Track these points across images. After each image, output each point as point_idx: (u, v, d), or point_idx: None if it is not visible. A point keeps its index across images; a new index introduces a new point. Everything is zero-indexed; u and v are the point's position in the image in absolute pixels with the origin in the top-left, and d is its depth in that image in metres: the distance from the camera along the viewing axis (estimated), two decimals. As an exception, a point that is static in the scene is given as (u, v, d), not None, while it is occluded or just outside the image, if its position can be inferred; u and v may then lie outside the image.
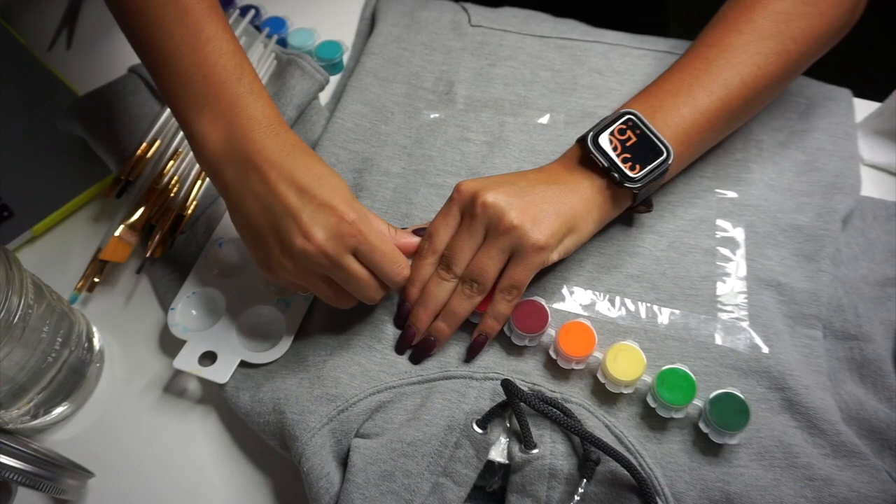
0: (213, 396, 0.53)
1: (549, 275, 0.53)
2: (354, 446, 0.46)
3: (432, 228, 0.50)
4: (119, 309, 0.57)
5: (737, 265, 0.54)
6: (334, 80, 0.69)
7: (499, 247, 0.47)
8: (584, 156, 0.51)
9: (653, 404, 0.47)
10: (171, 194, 0.58)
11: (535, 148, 0.60)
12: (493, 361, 0.50)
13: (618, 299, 0.53)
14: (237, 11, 0.71)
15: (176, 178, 0.59)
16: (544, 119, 0.62)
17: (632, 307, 0.52)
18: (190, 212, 0.58)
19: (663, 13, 0.86)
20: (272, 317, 0.53)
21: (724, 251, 0.54)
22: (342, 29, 0.72)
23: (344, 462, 0.47)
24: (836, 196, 0.57)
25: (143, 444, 0.52)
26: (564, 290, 0.53)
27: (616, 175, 0.49)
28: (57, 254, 0.60)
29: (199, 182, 0.60)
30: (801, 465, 0.46)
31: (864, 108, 0.64)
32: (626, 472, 0.44)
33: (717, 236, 0.55)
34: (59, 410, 0.51)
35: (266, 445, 0.50)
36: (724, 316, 0.52)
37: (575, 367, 0.49)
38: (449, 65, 0.66)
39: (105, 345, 0.56)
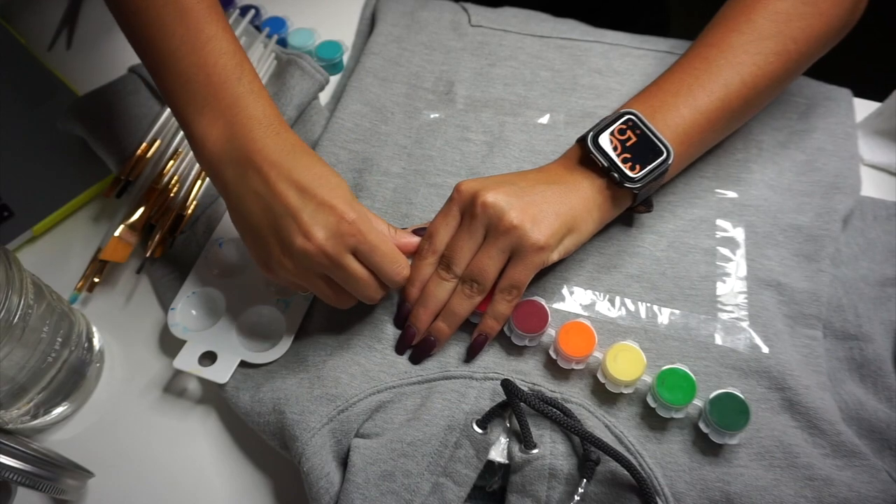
0: (213, 396, 0.53)
1: (549, 275, 0.53)
2: (354, 446, 0.46)
3: (432, 228, 0.50)
4: (119, 309, 0.57)
5: (737, 265, 0.54)
6: (334, 80, 0.69)
7: (499, 247, 0.47)
8: (584, 156, 0.51)
9: (653, 404, 0.47)
10: (171, 194, 0.58)
11: (535, 148, 0.60)
12: (493, 361, 0.50)
13: (618, 299, 0.53)
14: (237, 11, 0.71)
15: (176, 178, 0.59)
16: (544, 119, 0.62)
17: (632, 307, 0.52)
18: (190, 212, 0.58)
19: (663, 13, 0.86)
20: (272, 317, 0.53)
21: (724, 251, 0.54)
22: (342, 29, 0.72)
23: (344, 462, 0.47)
24: (836, 196, 0.57)
25: (143, 444, 0.52)
26: (564, 290, 0.53)
27: (616, 175, 0.49)
28: (57, 254, 0.60)
29: (199, 182, 0.60)
30: (801, 465, 0.46)
31: (864, 108, 0.64)
32: (626, 472, 0.44)
33: (717, 236, 0.55)
34: (59, 410, 0.51)
35: (266, 445, 0.50)
36: (724, 316, 0.52)
37: (575, 367, 0.49)
38: (449, 65, 0.66)
39: (105, 345, 0.56)
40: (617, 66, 0.65)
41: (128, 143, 0.60)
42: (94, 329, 0.55)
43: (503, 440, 0.46)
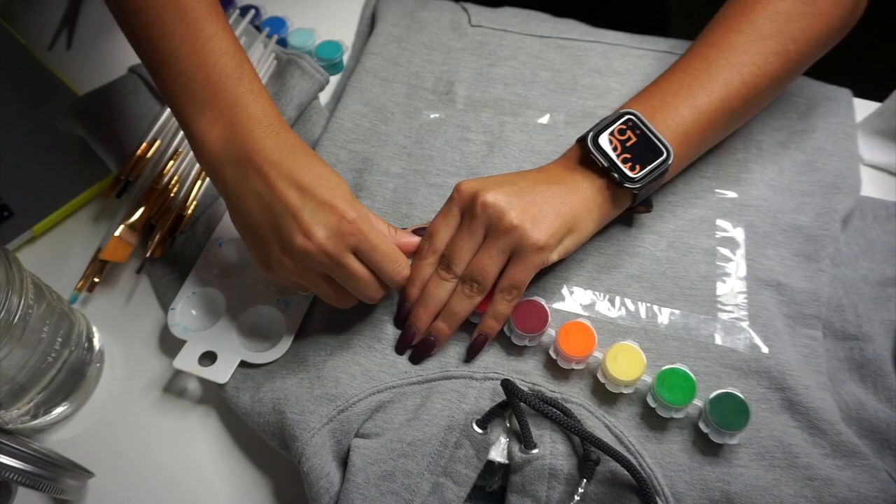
0: (213, 396, 0.53)
1: (549, 275, 0.53)
2: (354, 446, 0.46)
3: (432, 228, 0.50)
4: (119, 309, 0.57)
5: (737, 265, 0.54)
6: (334, 80, 0.69)
7: (499, 247, 0.47)
8: (584, 156, 0.51)
9: (653, 404, 0.47)
10: (171, 194, 0.58)
11: (535, 148, 0.60)
12: (493, 361, 0.50)
13: (618, 299, 0.53)
14: (237, 11, 0.71)
15: (176, 178, 0.59)
16: (544, 119, 0.62)
17: (632, 307, 0.52)
18: (190, 212, 0.58)
19: (663, 13, 0.86)
20: (272, 317, 0.53)
21: (724, 251, 0.54)
22: (342, 29, 0.72)
23: (344, 462, 0.47)
24: (836, 196, 0.57)
25: (143, 444, 0.52)
26: (564, 290, 0.53)
27: (616, 175, 0.49)
28: (57, 254, 0.60)
29: (199, 182, 0.60)
30: (801, 465, 0.46)
31: (864, 108, 0.64)
32: (626, 472, 0.44)
33: (717, 236, 0.55)
34: (59, 410, 0.51)
35: (266, 445, 0.50)
36: (724, 316, 0.52)
37: (575, 367, 0.49)
38: (449, 65, 0.66)
39: (105, 345, 0.56)
40: (617, 66, 0.65)
41: (128, 143, 0.60)
42: (94, 329, 0.55)
43: (503, 440, 0.46)
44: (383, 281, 0.47)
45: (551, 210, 0.48)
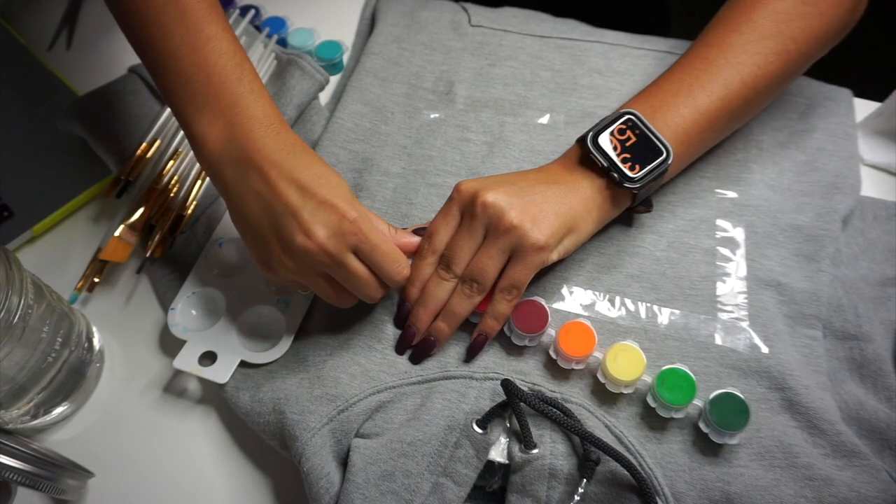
0: (213, 396, 0.53)
1: (549, 275, 0.53)
2: (354, 446, 0.46)
3: (432, 228, 0.50)
4: (119, 309, 0.57)
5: (737, 265, 0.54)
6: (334, 80, 0.69)
7: (499, 246, 0.47)
8: (584, 156, 0.51)
9: (653, 404, 0.47)
10: (171, 194, 0.58)
11: (535, 148, 0.60)
12: (493, 361, 0.50)
13: (618, 299, 0.53)
14: (237, 11, 0.71)
15: (176, 178, 0.59)
16: (544, 119, 0.62)
17: (632, 307, 0.52)
18: (190, 212, 0.58)
19: (663, 13, 0.86)
20: (272, 317, 0.53)
21: (724, 251, 0.54)
22: (342, 29, 0.72)
23: (344, 462, 0.47)
24: (836, 196, 0.57)
25: (143, 444, 0.52)
26: (564, 290, 0.53)
27: (616, 175, 0.49)
28: (57, 254, 0.60)
29: (199, 182, 0.60)
30: (801, 465, 0.46)
31: (864, 108, 0.64)
32: (626, 472, 0.44)
33: (717, 236, 0.55)
34: (59, 410, 0.51)
35: (266, 445, 0.50)
36: (724, 316, 0.52)
37: (575, 367, 0.49)
38: (449, 65, 0.66)
39: (105, 345, 0.56)
40: (617, 66, 0.65)
41: (128, 143, 0.60)
42: (94, 329, 0.55)
43: (503, 440, 0.46)
44: (383, 281, 0.47)
45: (551, 210, 0.48)
